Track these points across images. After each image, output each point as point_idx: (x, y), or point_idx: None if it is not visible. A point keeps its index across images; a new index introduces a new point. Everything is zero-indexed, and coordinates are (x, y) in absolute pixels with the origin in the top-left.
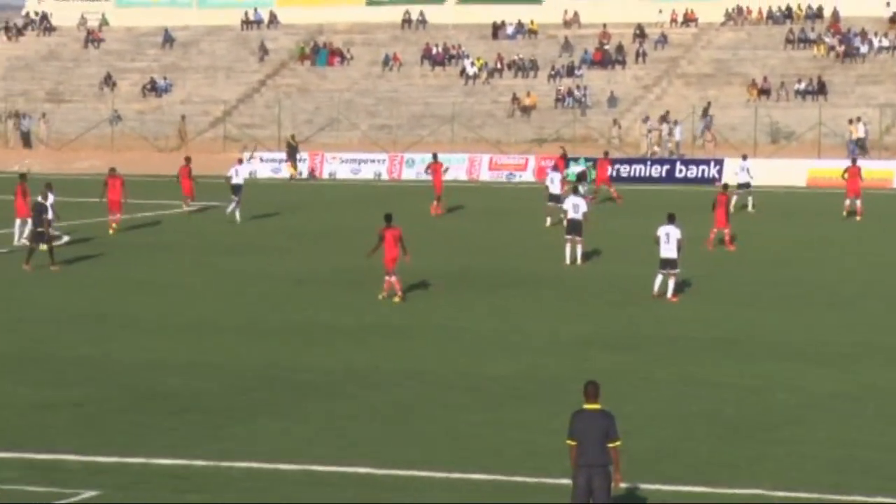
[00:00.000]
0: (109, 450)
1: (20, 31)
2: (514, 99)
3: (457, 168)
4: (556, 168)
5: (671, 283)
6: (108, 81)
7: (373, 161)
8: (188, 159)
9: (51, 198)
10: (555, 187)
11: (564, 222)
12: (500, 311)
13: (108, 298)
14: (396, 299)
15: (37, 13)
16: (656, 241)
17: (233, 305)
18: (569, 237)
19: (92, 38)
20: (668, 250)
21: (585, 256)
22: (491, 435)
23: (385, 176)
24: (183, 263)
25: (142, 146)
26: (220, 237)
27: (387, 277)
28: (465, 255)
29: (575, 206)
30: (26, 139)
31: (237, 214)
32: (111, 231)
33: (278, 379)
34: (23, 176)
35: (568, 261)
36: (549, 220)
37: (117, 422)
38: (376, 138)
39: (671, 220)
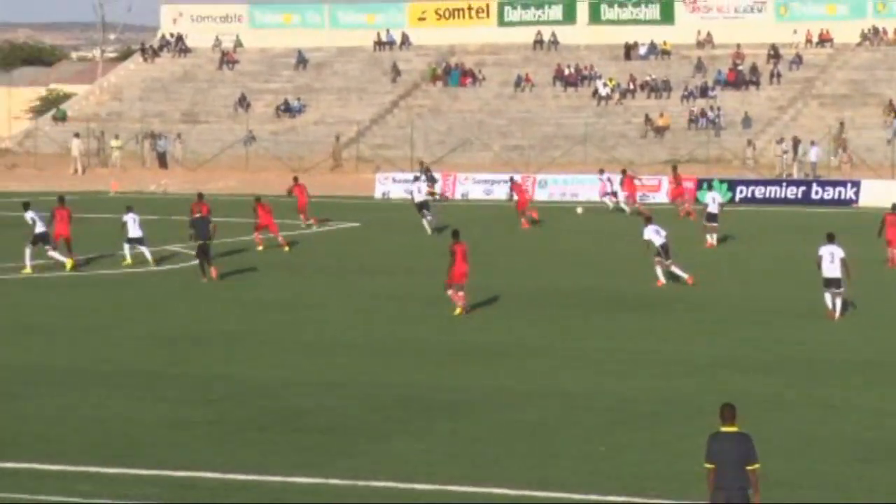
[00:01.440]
0: (245, 468)
1: (156, 53)
2: (647, 120)
3: (590, 189)
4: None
5: (838, 303)
6: (243, 102)
7: (505, 182)
8: (296, 178)
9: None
10: (714, 207)
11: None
12: (632, 331)
13: (245, 317)
14: (458, 311)
15: (172, 35)
16: (818, 261)
17: (366, 324)
18: (658, 259)
19: (226, 59)
20: (832, 270)
21: (718, 276)
22: (626, 456)
23: (517, 196)
24: (317, 283)
25: (276, 166)
26: (354, 257)
27: (450, 292)
28: (595, 275)
29: (657, 231)
30: (162, 160)
31: (428, 226)
32: (260, 247)
33: (411, 398)
34: (200, 196)
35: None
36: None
37: (253, 440)
38: (508, 159)
39: (831, 239)
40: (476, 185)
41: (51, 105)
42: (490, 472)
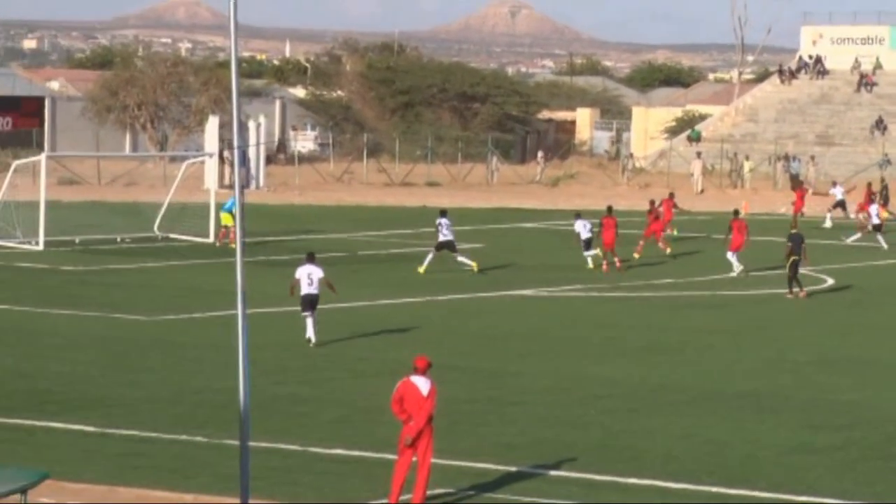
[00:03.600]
0: (866, 496)
1: (793, 75)
2: None
3: None
4: None
5: None
6: (880, 125)
7: None
8: (671, 194)
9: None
10: None
11: None
12: None
13: (867, 342)
14: None
15: (811, 56)
16: None
17: None
18: None
19: (865, 81)
20: None
21: None
22: None
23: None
24: None
25: None
26: None
27: None
28: None
29: None
30: (795, 182)
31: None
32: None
33: None
34: (736, 212)
35: None
36: None
37: (878, 468)
38: None
39: None
40: None
41: (685, 125)
42: None
